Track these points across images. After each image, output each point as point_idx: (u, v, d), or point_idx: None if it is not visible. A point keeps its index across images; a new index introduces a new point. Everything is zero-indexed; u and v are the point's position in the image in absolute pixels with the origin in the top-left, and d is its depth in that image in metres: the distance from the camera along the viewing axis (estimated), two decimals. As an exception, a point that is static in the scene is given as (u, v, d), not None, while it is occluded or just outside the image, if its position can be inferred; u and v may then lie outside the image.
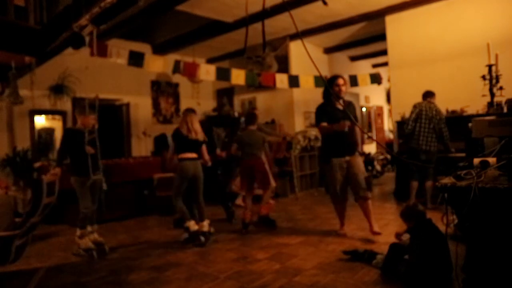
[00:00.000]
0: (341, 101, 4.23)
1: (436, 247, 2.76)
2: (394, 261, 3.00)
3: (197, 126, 4.46)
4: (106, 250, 4.07)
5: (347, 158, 4.16)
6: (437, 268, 2.69)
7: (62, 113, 7.01)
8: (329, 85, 4.34)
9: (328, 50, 9.45)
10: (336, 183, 4.22)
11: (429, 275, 2.70)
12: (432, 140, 5.26)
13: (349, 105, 4.35)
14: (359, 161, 4.26)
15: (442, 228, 2.75)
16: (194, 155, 4.42)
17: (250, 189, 4.87)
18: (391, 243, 3.17)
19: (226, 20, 6.82)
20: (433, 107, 5.34)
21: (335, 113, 4.19)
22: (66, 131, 5.17)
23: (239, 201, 6.12)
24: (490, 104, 3.94)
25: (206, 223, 4.37)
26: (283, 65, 8.17)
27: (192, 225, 4.27)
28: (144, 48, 7.84)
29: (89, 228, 4.14)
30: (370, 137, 10.07)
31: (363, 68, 10.99)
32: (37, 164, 6.03)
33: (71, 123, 6.89)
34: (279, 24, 6.82)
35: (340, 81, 4.24)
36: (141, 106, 8.41)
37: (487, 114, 4.28)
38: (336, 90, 4.22)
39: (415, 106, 5.48)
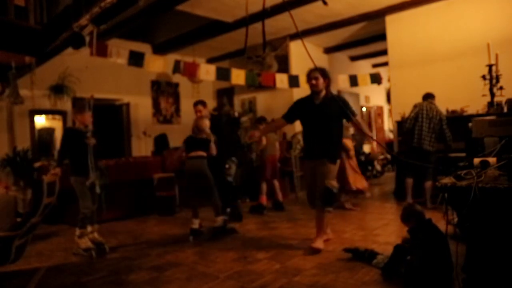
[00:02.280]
0: (320, 96, 3.72)
1: (436, 247, 2.76)
2: (397, 263, 3.00)
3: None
4: (107, 250, 4.07)
5: (314, 162, 3.71)
6: (437, 268, 2.69)
7: (62, 113, 7.02)
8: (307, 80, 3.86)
9: (328, 50, 9.45)
10: (307, 185, 3.93)
11: (429, 275, 2.70)
12: (432, 140, 5.27)
13: (329, 100, 3.72)
14: (326, 169, 3.64)
15: (442, 228, 2.75)
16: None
17: (272, 178, 5.98)
18: (396, 244, 3.14)
19: (226, 20, 6.82)
20: (434, 107, 5.35)
21: (309, 109, 3.77)
22: (66, 131, 5.16)
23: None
24: (490, 104, 3.95)
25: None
26: (283, 65, 8.17)
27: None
28: (144, 48, 7.84)
29: (89, 228, 4.15)
30: (370, 137, 10.07)
31: (363, 68, 10.99)
32: (37, 164, 6.03)
33: (71, 123, 6.90)
34: (279, 24, 6.82)
35: (311, 74, 3.73)
36: (141, 106, 8.41)
37: (487, 114, 4.29)
38: (310, 84, 3.75)
39: (415, 106, 5.49)
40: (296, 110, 3.90)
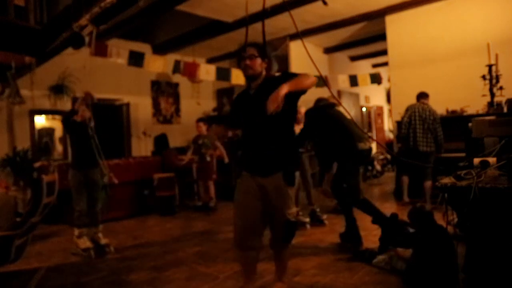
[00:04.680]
0: (256, 83, 2.52)
1: (441, 249, 2.74)
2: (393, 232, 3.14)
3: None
4: (111, 251, 4.05)
5: (261, 179, 2.45)
6: (441, 270, 2.68)
7: (62, 113, 7.01)
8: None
9: (328, 50, 9.45)
10: (239, 215, 2.52)
11: (433, 276, 2.69)
12: (429, 141, 5.28)
13: (268, 85, 2.42)
14: (285, 194, 2.45)
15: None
16: None
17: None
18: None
19: (226, 20, 6.82)
20: (427, 108, 5.35)
21: (243, 103, 2.61)
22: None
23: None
24: (490, 104, 3.94)
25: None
26: (283, 65, 8.17)
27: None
28: (144, 48, 7.84)
29: (93, 229, 4.13)
30: (370, 137, 10.08)
31: (363, 68, 10.99)
32: (37, 164, 6.03)
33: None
34: (279, 24, 6.82)
35: (245, 53, 2.48)
36: (141, 106, 8.41)
37: (487, 114, 4.28)
38: (242, 66, 2.51)
39: (407, 109, 5.50)
40: (236, 109, 2.70)
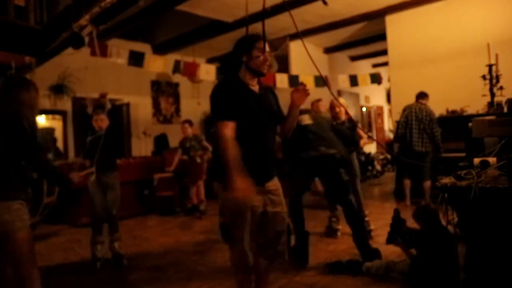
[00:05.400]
0: (255, 83, 2.26)
1: (445, 249, 2.73)
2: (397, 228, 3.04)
3: None
4: (124, 263, 3.71)
5: (267, 184, 2.21)
6: (444, 270, 2.68)
7: (62, 113, 7.02)
8: (241, 49, 2.23)
9: (328, 50, 9.45)
10: (244, 233, 2.20)
11: (435, 276, 2.69)
12: (424, 141, 5.29)
13: (265, 90, 2.32)
14: (281, 192, 2.30)
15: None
16: None
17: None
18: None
19: (226, 20, 6.82)
20: (423, 108, 5.36)
21: (250, 99, 2.18)
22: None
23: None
24: (490, 104, 3.94)
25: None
26: (283, 65, 8.17)
27: None
28: (144, 48, 7.84)
29: (108, 237, 3.85)
30: (370, 137, 10.08)
31: (363, 68, 10.99)
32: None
33: (71, 123, 6.91)
34: (279, 24, 6.81)
35: (259, 43, 2.21)
36: (141, 106, 8.42)
37: (487, 114, 4.27)
38: (257, 60, 2.18)
39: (404, 109, 5.51)
40: (234, 104, 2.12)
